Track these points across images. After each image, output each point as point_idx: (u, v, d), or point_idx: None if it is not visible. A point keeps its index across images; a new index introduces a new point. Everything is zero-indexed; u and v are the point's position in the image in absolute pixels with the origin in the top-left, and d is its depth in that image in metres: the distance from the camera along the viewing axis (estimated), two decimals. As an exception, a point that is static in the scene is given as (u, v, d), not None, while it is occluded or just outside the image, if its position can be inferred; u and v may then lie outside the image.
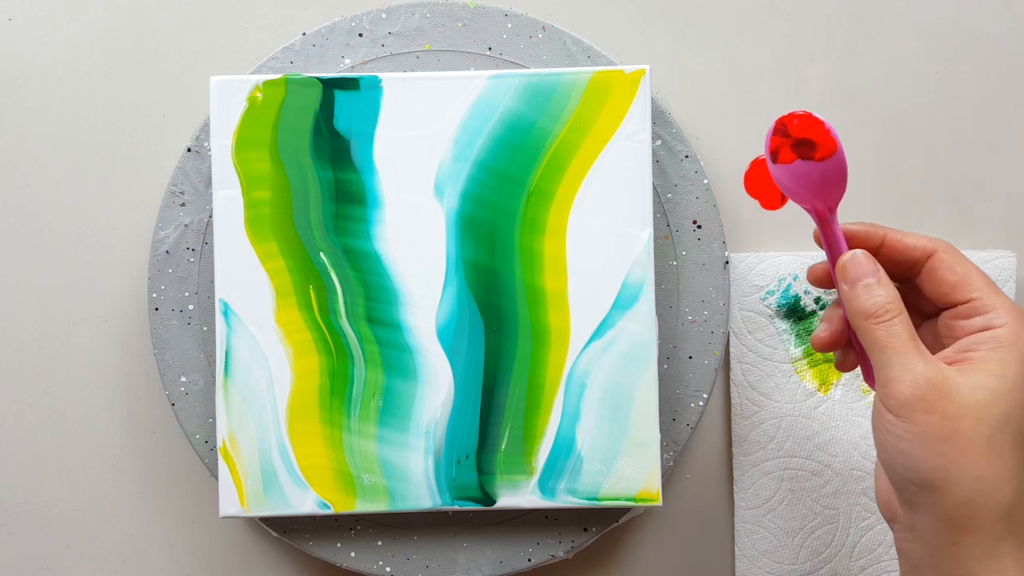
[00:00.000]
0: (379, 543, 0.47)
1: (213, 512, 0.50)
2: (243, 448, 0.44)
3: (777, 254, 0.49)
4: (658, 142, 0.47)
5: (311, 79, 0.44)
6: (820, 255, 0.49)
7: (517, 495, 0.45)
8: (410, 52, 0.47)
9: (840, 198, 0.35)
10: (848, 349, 0.38)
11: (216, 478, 0.46)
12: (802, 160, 0.35)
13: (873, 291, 0.34)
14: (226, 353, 0.44)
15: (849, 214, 0.50)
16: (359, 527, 0.47)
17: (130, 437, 0.50)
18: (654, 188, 0.47)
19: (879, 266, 0.35)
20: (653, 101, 0.47)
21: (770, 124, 0.35)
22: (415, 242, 0.44)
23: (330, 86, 0.44)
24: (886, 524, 0.49)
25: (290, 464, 0.44)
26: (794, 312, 0.49)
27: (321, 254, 0.44)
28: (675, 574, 0.50)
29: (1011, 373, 0.32)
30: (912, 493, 0.32)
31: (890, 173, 0.50)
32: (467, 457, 0.45)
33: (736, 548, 0.49)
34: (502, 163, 0.44)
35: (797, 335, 0.49)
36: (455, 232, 0.44)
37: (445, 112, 0.44)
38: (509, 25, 0.47)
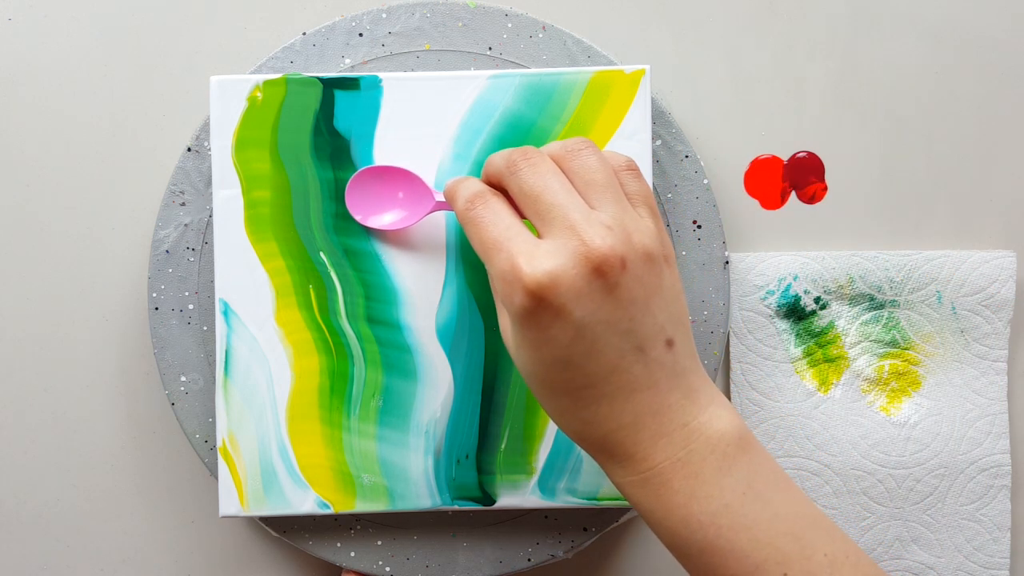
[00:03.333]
0: (379, 543, 0.47)
1: (213, 512, 0.50)
2: (243, 448, 0.44)
3: (777, 254, 0.49)
4: (658, 142, 0.47)
5: (311, 79, 0.44)
6: (820, 254, 0.49)
7: (517, 495, 0.45)
8: (410, 52, 0.47)
9: None
10: None
11: (216, 478, 0.46)
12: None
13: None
14: (226, 353, 0.44)
15: (849, 214, 0.50)
16: (359, 527, 0.47)
17: (130, 437, 0.50)
18: (654, 188, 0.47)
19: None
20: (653, 101, 0.47)
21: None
22: (415, 242, 0.44)
23: (330, 86, 0.44)
24: (886, 524, 0.49)
25: (290, 464, 0.44)
26: (794, 312, 0.49)
27: (321, 254, 0.44)
28: (675, 574, 0.50)
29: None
30: None
31: (890, 173, 0.50)
32: (467, 457, 0.45)
33: (736, 548, 0.49)
34: (502, 163, 0.44)
35: (797, 335, 0.49)
36: (455, 232, 0.44)
37: (445, 112, 0.44)
38: (509, 25, 0.47)
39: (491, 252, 0.34)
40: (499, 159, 0.36)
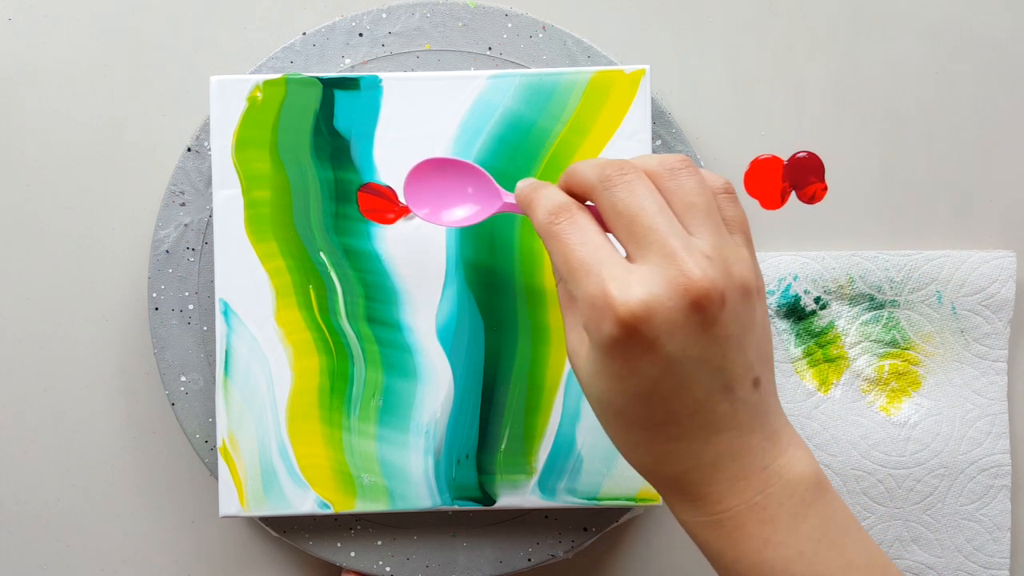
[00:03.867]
0: (379, 543, 0.47)
1: (213, 512, 0.50)
2: (243, 448, 0.44)
3: (777, 254, 0.49)
4: (658, 142, 0.47)
5: (311, 79, 0.44)
6: (820, 254, 0.49)
7: (517, 495, 0.45)
8: (410, 52, 0.47)
9: None
10: None
11: (216, 478, 0.46)
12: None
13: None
14: (226, 353, 0.44)
15: (849, 214, 0.50)
16: (359, 527, 0.47)
17: (130, 437, 0.50)
18: (654, 188, 0.47)
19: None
20: (653, 101, 0.47)
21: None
22: (415, 242, 0.44)
23: (330, 86, 0.44)
24: (886, 524, 0.49)
25: (290, 464, 0.44)
26: (794, 312, 0.49)
27: (321, 254, 0.44)
28: (675, 574, 0.50)
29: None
30: None
31: (890, 173, 0.50)
32: (467, 457, 0.45)
33: (736, 548, 0.49)
34: (502, 163, 0.44)
35: (797, 335, 0.49)
36: (455, 232, 0.44)
37: (445, 112, 0.44)
38: (509, 25, 0.47)
39: (578, 274, 0.31)
40: (590, 171, 0.33)
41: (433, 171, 0.40)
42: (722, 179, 0.34)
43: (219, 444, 0.44)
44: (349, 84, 0.44)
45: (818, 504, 0.32)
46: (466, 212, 0.39)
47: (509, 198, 0.38)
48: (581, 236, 0.32)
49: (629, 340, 0.30)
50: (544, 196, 0.34)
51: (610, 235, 0.33)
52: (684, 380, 0.30)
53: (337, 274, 0.44)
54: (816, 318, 0.49)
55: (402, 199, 0.43)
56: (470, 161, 0.40)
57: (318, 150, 0.44)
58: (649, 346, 0.30)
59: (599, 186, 0.32)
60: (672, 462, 0.32)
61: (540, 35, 0.47)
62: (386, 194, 0.44)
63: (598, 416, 0.33)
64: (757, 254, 0.49)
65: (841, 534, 0.32)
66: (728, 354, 0.31)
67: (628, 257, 0.31)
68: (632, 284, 0.30)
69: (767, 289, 0.48)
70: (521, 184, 0.36)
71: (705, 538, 0.33)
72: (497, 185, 0.38)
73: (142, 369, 0.50)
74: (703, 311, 0.30)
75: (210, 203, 0.47)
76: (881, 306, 0.49)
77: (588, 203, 0.34)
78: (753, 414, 0.32)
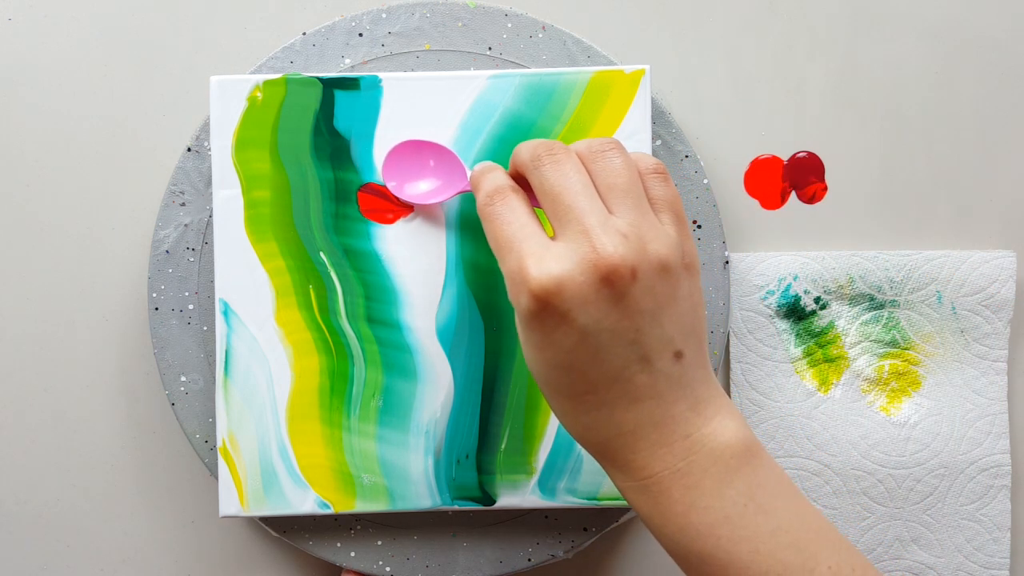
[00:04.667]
0: (379, 543, 0.47)
1: (213, 512, 0.50)
2: (243, 448, 0.44)
3: (777, 254, 0.49)
4: (658, 142, 0.47)
5: (311, 79, 0.44)
6: (820, 254, 0.49)
7: (517, 495, 0.45)
8: (410, 52, 0.47)
9: None
10: None
11: (216, 478, 0.46)
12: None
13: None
14: (226, 353, 0.44)
15: (849, 214, 0.50)
16: (359, 527, 0.47)
17: (130, 437, 0.50)
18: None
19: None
20: (653, 101, 0.47)
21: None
22: (415, 242, 0.44)
23: (330, 86, 0.44)
24: (886, 524, 0.49)
25: (290, 464, 0.44)
26: (794, 312, 0.49)
27: (321, 254, 0.44)
28: (675, 574, 0.50)
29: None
30: None
31: (890, 173, 0.50)
32: (467, 457, 0.45)
33: (736, 548, 0.49)
34: (502, 163, 0.44)
35: (797, 335, 0.49)
36: (455, 232, 0.44)
37: (445, 112, 0.44)
38: (509, 25, 0.47)
39: (503, 250, 0.33)
40: (525, 151, 0.35)
41: (410, 152, 0.43)
42: (653, 160, 0.35)
43: (219, 444, 0.44)
44: (349, 84, 0.44)
45: (745, 470, 0.33)
46: (429, 186, 0.42)
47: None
48: (510, 215, 0.34)
49: (543, 312, 0.32)
50: (487, 179, 0.36)
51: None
52: (599, 351, 0.32)
53: (337, 274, 0.44)
54: (816, 318, 0.49)
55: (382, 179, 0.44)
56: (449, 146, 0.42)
57: (318, 150, 0.44)
58: (562, 318, 0.32)
59: (530, 164, 0.34)
60: (596, 429, 0.33)
61: (540, 35, 0.47)
62: (386, 194, 0.44)
63: (536, 383, 0.35)
64: (757, 254, 0.49)
65: (771, 499, 0.33)
66: (642, 327, 0.32)
67: (553, 235, 0.33)
68: (546, 259, 0.32)
69: (767, 289, 0.48)
70: (476, 165, 0.38)
71: (636, 503, 0.34)
72: (464, 166, 0.41)
73: (142, 369, 0.50)
74: (612, 285, 0.31)
75: (210, 203, 0.47)
76: (881, 306, 0.49)
77: None
78: (675, 385, 0.33)
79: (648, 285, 0.32)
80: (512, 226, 0.33)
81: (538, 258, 0.32)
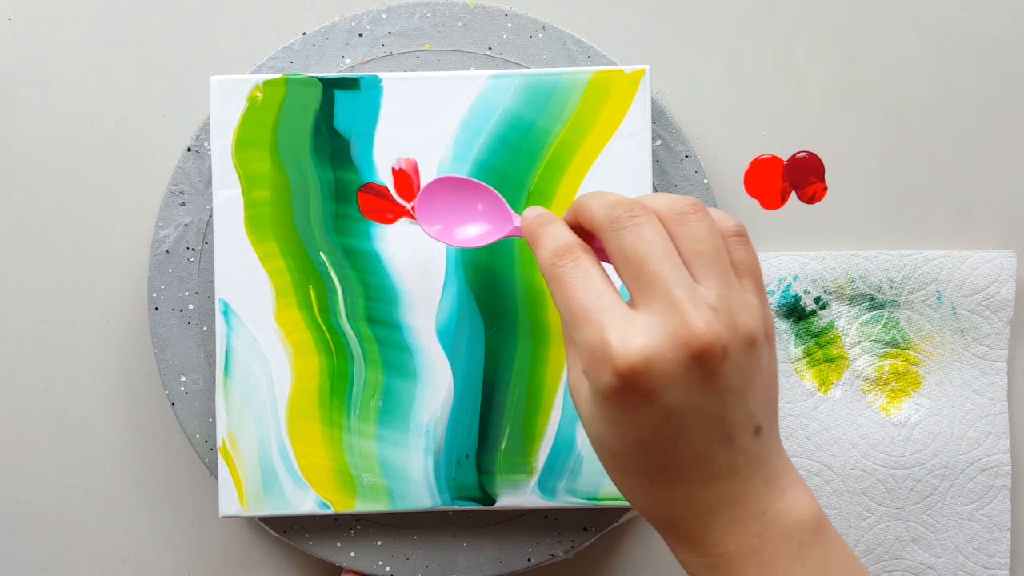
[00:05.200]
0: (379, 543, 0.47)
1: (213, 512, 0.50)
2: (243, 448, 0.44)
3: (777, 254, 0.49)
4: (658, 142, 0.47)
5: (311, 79, 0.44)
6: (820, 254, 0.49)
7: (517, 495, 0.45)
8: (410, 52, 0.47)
9: None
10: None
11: (216, 478, 0.46)
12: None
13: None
14: (226, 353, 0.44)
15: (849, 214, 0.50)
16: (359, 527, 0.47)
17: (130, 437, 0.50)
18: (654, 188, 0.47)
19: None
20: (653, 101, 0.47)
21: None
22: (415, 242, 0.44)
23: (330, 86, 0.44)
24: (886, 524, 0.49)
25: (290, 464, 0.44)
26: (794, 312, 0.49)
27: (321, 254, 0.44)
28: (675, 574, 0.50)
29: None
30: None
31: (890, 173, 0.50)
32: (467, 457, 0.45)
33: (736, 548, 0.49)
34: (502, 163, 0.44)
35: (797, 335, 0.49)
36: (455, 232, 0.44)
37: (445, 112, 0.44)
38: (509, 25, 0.47)
39: (579, 320, 0.31)
40: (599, 209, 0.32)
41: (446, 190, 0.39)
42: (734, 221, 0.33)
43: (219, 444, 0.44)
44: (349, 84, 0.44)
45: (816, 546, 0.32)
46: (478, 230, 0.39)
47: (520, 222, 0.37)
48: (584, 281, 0.31)
49: (627, 391, 0.30)
50: (549, 234, 0.33)
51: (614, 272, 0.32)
52: (683, 430, 0.30)
53: (337, 274, 0.44)
54: (816, 318, 0.49)
55: (399, 200, 0.43)
56: (484, 183, 0.39)
57: (318, 150, 0.44)
58: (647, 397, 0.30)
59: (607, 227, 0.32)
60: (670, 507, 0.32)
61: (540, 35, 0.47)
62: (386, 194, 0.44)
63: (598, 455, 0.33)
64: (757, 254, 0.49)
65: (840, 574, 0.32)
66: (728, 404, 0.30)
67: (632, 302, 0.31)
68: (632, 335, 0.29)
69: (767, 289, 0.48)
70: (528, 214, 0.35)
71: None
72: (509, 208, 0.38)
73: (142, 369, 0.50)
74: (704, 364, 0.29)
75: (210, 203, 0.47)
76: (881, 306, 0.49)
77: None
78: (752, 461, 0.31)
79: (737, 362, 0.30)
80: (589, 293, 0.31)
81: (623, 332, 0.29)
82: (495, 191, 0.39)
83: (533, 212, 0.35)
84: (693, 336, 0.29)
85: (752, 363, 0.31)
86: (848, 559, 0.32)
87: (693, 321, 0.29)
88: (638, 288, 0.31)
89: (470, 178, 0.39)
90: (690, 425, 0.30)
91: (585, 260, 0.32)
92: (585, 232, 0.34)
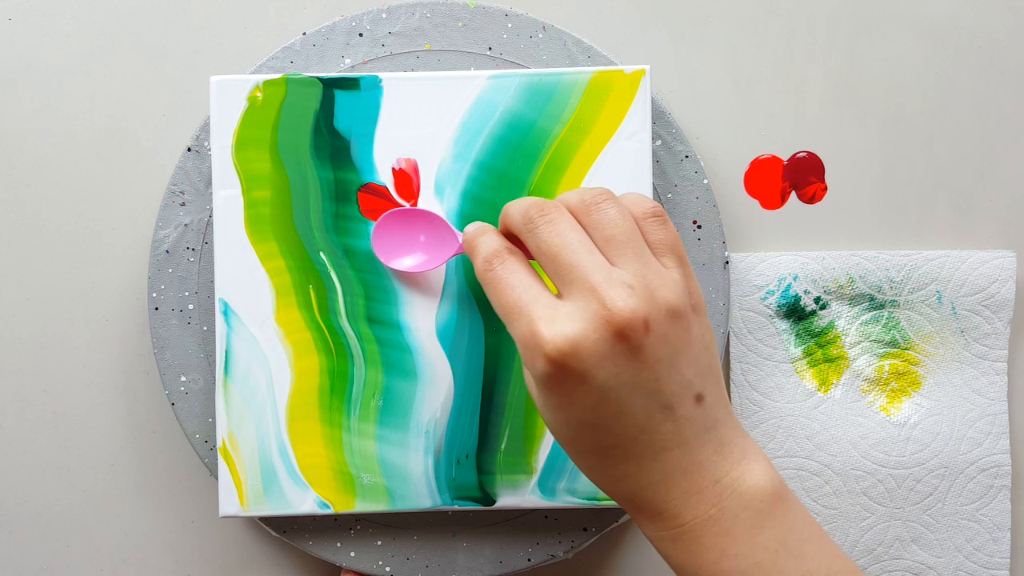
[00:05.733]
0: (379, 543, 0.47)
1: (213, 512, 0.50)
2: (243, 448, 0.44)
3: (777, 254, 0.49)
4: (658, 142, 0.47)
5: (311, 79, 0.44)
6: (820, 254, 0.49)
7: (517, 495, 0.45)
8: (410, 52, 0.47)
9: None
10: None
11: (216, 478, 0.46)
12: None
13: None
14: (226, 353, 0.44)
15: (849, 214, 0.50)
16: (359, 527, 0.47)
17: (130, 437, 0.50)
18: (654, 188, 0.47)
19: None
20: (653, 101, 0.47)
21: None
22: (415, 242, 0.44)
23: (330, 86, 0.44)
24: (886, 524, 0.49)
25: (290, 464, 0.44)
26: (794, 312, 0.49)
27: (321, 254, 0.44)
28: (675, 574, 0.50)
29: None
30: None
31: (890, 173, 0.50)
32: (467, 457, 0.45)
33: (736, 548, 0.49)
34: (502, 163, 0.44)
35: (797, 335, 0.49)
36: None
37: (445, 112, 0.44)
38: (509, 25, 0.47)
39: (511, 316, 0.33)
40: (515, 213, 0.35)
41: (396, 222, 0.43)
42: (649, 202, 0.35)
43: (219, 444, 0.44)
44: (349, 84, 0.44)
45: (775, 514, 0.32)
46: (416, 260, 0.43)
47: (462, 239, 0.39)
48: (513, 279, 0.33)
49: (560, 375, 0.31)
50: (481, 244, 0.35)
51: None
52: (622, 406, 0.32)
53: (337, 274, 0.44)
54: (816, 318, 0.49)
55: (399, 200, 0.43)
56: (427, 209, 0.43)
57: (318, 150, 0.44)
58: (580, 379, 0.31)
59: (524, 228, 0.34)
60: (625, 482, 0.33)
61: (540, 35, 0.47)
62: (386, 194, 0.44)
63: (560, 445, 0.34)
64: (757, 254, 0.49)
65: (800, 543, 0.32)
66: (661, 375, 0.32)
67: (559, 295, 0.33)
68: (557, 322, 0.31)
69: (767, 289, 0.48)
70: (468, 228, 0.37)
71: (666, 552, 0.34)
72: (454, 229, 0.41)
73: (142, 369, 0.50)
74: (627, 339, 0.31)
75: (210, 203, 0.47)
76: (881, 306, 0.49)
77: None
78: (699, 429, 0.32)
79: (661, 333, 0.31)
80: (516, 290, 0.33)
81: (549, 320, 0.31)
82: (438, 215, 0.42)
83: (472, 227, 0.37)
84: (612, 314, 0.31)
85: (679, 333, 0.32)
86: (811, 528, 0.33)
87: (611, 301, 0.31)
88: (559, 279, 0.33)
89: (413, 208, 0.42)
90: (627, 400, 0.31)
91: (512, 261, 0.34)
92: (516, 238, 0.36)
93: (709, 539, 0.32)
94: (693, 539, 0.32)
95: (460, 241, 0.40)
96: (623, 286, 0.31)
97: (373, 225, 0.44)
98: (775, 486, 0.33)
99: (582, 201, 0.34)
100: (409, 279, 0.44)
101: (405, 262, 0.43)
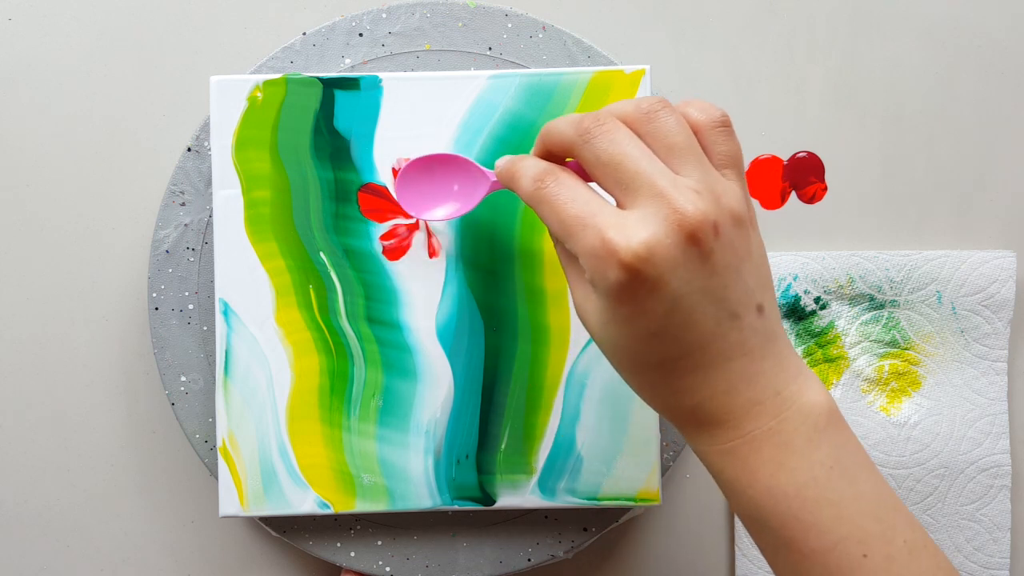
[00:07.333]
0: (379, 543, 0.47)
1: (213, 512, 0.50)
2: (243, 448, 0.44)
3: (777, 254, 0.49)
4: (658, 142, 0.47)
5: (311, 79, 0.44)
6: (820, 254, 0.49)
7: (517, 495, 0.45)
8: (410, 52, 0.47)
9: None
10: None
11: (216, 478, 0.46)
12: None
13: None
14: (226, 353, 0.44)
15: (849, 214, 0.50)
16: (359, 527, 0.47)
17: (130, 437, 0.50)
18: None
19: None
20: (653, 101, 0.47)
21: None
22: (415, 242, 0.44)
23: (330, 86, 0.44)
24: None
25: (290, 464, 0.44)
26: (794, 312, 0.49)
27: (321, 254, 0.44)
28: (675, 574, 0.50)
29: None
30: None
31: (890, 173, 0.50)
32: (467, 457, 0.45)
33: (736, 548, 0.49)
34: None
35: (797, 335, 0.49)
36: (455, 232, 0.44)
37: (445, 112, 0.44)
38: (509, 25, 0.47)
39: (575, 229, 0.32)
40: (566, 126, 0.33)
41: (420, 171, 0.41)
42: (717, 110, 0.34)
43: (219, 444, 0.44)
44: (349, 84, 0.44)
45: (831, 431, 0.32)
46: (452, 207, 0.41)
47: (495, 177, 0.38)
48: (570, 193, 0.33)
49: (634, 282, 0.30)
50: (524, 167, 0.35)
51: (594, 185, 0.33)
52: (692, 313, 0.31)
53: (337, 274, 0.44)
54: (816, 318, 0.49)
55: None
56: (451, 152, 0.40)
57: (318, 150, 0.44)
58: (654, 285, 0.30)
59: (578, 140, 0.33)
60: (689, 394, 0.33)
61: (540, 35, 0.47)
62: (386, 194, 0.44)
63: (613, 362, 0.34)
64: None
65: (853, 464, 0.32)
66: (728, 282, 0.31)
67: (619, 205, 0.32)
68: (629, 228, 0.30)
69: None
70: (500, 162, 0.37)
71: (721, 466, 0.33)
72: (482, 168, 0.39)
73: (142, 369, 0.50)
74: (699, 243, 0.31)
75: (210, 203, 0.47)
76: (881, 306, 0.49)
77: (568, 160, 0.35)
78: (762, 340, 0.32)
79: (728, 239, 0.31)
80: (576, 203, 0.32)
81: (619, 227, 0.31)
82: (465, 157, 0.40)
83: (503, 159, 0.37)
84: (684, 218, 0.30)
85: (743, 241, 0.32)
86: (861, 453, 0.33)
87: (681, 205, 0.30)
88: (621, 189, 0.32)
89: (438, 153, 0.41)
90: (698, 307, 0.31)
91: (565, 176, 0.33)
92: (557, 160, 0.35)
93: (768, 451, 0.32)
94: (752, 450, 0.32)
95: (491, 179, 0.39)
96: (690, 191, 0.31)
97: (374, 225, 0.44)
98: (830, 405, 0.33)
99: (639, 109, 0.33)
100: (409, 279, 0.44)
101: (438, 212, 0.41)
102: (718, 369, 0.32)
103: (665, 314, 0.31)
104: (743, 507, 0.33)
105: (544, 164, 0.34)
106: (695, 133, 0.33)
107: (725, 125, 0.34)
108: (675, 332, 0.32)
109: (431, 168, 0.41)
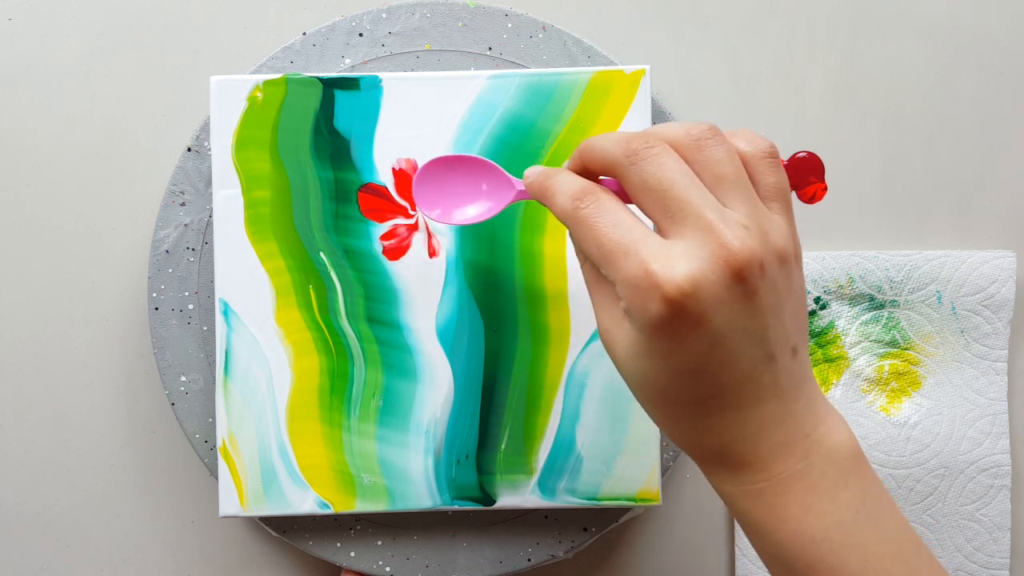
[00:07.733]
0: (379, 543, 0.47)
1: (213, 512, 0.50)
2: (243, 448, 0.44)
3: (777, 254, 0.49)
4: (658, 142, 0.47)
5: (311, 79, 0.44)
6: (820, 254, 0.49)
7: (517, 495, 0.45)
8: (410, 52, 0.47)
9: None
10: None
11: (216, 478, 0.46)
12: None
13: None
14: (226, 353, 0.44)
15: (849, 214, 0.50)
16: (359, 527, 0.47)
17: (130, 437, 0.50)
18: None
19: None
20: (653, 101, 0.47)
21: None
22: (415, 242, 0.44)
23: (330, 86, 0.44)
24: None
25: (290, 464, 0.44)
26: (794, 312, 0.49)
27: (321, 254, 0.44)
28: (675, 574, 0.50)
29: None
30: None
31: (890, 173, 0.50)
32: (467, 457, 0.45)
33: (736, 548, 0.49)
34: (502, 163, 0.44)
35: (797, 335, 0.49)
36: (455, 232, 0.44)
37: (445, 112, 0.44)
38: (509, 25, 0.47)
39: (615, 256, 0.30)
40: (612, 145, 0.32)
41: (441, 170, 0.39)
42: (765, 141, 0.33)
43: (219, 444, 0.44)
44: (349, 84, 0.44)
45: (856, 474, 0.32)
46: (479, 209, 0.38)
47: (522, 186, 0.37)
48: (611, 217, 0.31)
49: (676, 318, 0.29)
50: (561, 182, 0.33)
51: (632, 207, 0.32)
52: (731, 353, 0.30)
53: (337, 274, 0.44)
54: (816, 318, 0.49)
55: (399, 200, 0.43)
56: (476, 155, 0.39)
57: (318, 150, 0.44)
58: (696, 322, 0.29)
59: (624, 161, 0.31)
60: (718, 434, 0.32)
61: (540, 35, 0.47)
62: (386, 194, 0.44)
63: (638, 395, 0.33)
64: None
65: (877, 507, 0.32)
66: (768, 323, 0.30)
67: (661, 233, 0.31)
68: (674, 261, 0.29)
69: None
70: (530, 172, 0.35)
71: (746, 508, 0.32)
72: (508, 175, 0.37)
73: (142, 369, 0.50)
74: (745, 282, 0.29)
75: (210, 203, 0.47)
76: (881, 306, 0.49)
77: (601, 178, 0.34)
78: (794, 382, 0.32)
79: (772, 279, 0.30)
80: (619, 229, 0.31)
81: (664, 259, 0.29)
82: (492, 162, 0.38)
83: (534, 170, 0.35)
84: (731, 255, 0.29)
85: (786, 281, 0.31)
86: (884, 494, 0.33)
87: (729, 240, 0.29)
88: (667, 217, 0.30)
89: (463, 154, 0.39)
90: (737, 347, 0.30)
91: (606, 198, 0.32)
92: (592, 177, 0.34)
93: (795, 494, 0.31)
94: (779, 493, 0.31)
95: (518, 187, 0.37)
96: (738, 226, 0.30)
97: (374, 225, 0.44)
98: (855, 446, 0.32)
99: (689, 135, 0.31)
100: (409, 279, 0.44)
101: (469, 211, 0.38)
102: (749, 410, 0.31)
103: (704, 352, 0.30)
104: (769, 550, 0.33)
105: (583, 182, 0.33)
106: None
107: (773, 156, 0.33)
108: (712, 371, 0.31)
109: (451, 169, 0.39)
